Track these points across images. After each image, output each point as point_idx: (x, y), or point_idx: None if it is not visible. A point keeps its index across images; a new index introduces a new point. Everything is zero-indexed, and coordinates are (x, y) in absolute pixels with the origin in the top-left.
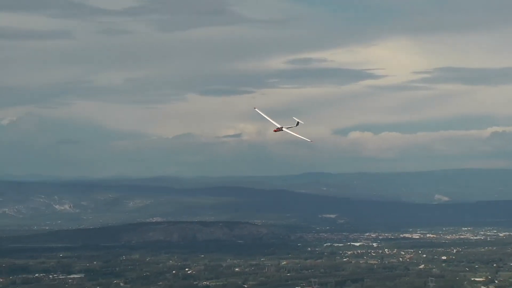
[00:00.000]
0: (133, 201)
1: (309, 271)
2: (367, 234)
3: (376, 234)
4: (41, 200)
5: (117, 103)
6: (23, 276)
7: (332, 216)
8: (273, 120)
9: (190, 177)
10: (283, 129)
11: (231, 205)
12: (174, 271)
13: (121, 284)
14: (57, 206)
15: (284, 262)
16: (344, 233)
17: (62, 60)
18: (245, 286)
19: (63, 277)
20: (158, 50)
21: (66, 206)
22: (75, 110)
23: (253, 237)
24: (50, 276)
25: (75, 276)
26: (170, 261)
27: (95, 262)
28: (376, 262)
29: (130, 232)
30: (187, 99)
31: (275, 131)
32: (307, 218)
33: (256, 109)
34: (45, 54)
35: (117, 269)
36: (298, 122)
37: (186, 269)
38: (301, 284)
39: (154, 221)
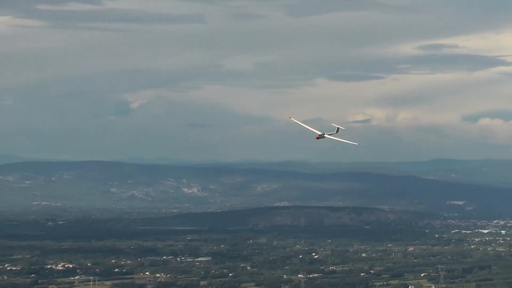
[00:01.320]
0: (261, 185)
1: (436, 257)
2: (495, 221)
3: (505, 221)
4: (170, 183)
5: (246, 88)
6: (151, 258)
7: (460, 203)
8: (312, 127)
9: (318, 162)
10: (325, 136)
11: (359, 190)
12: (300, 256)
13: (248, 267)
14: (185, 189)
15: (411, 248)
16: (472, 220)
17: (192, 44)
18: (372, 271)
19: (190, 259)
20: (288, 35)
21: (195, 190)
22: (204, 94)
23: (380, 223)
24: (178, 258)
25: (202, 259)
26: (297, 246)
27: (222, 246)
28: (504, 249)
29: (257, 216)
30: (316, 84)
31: (317, 138)
32: (435, 204)
33: (291, 119)
34: (176, 38)
35: (244, 252)
36: (338, 128)
37: (313, 254)
38: (428, 271)
39: (281, 205)
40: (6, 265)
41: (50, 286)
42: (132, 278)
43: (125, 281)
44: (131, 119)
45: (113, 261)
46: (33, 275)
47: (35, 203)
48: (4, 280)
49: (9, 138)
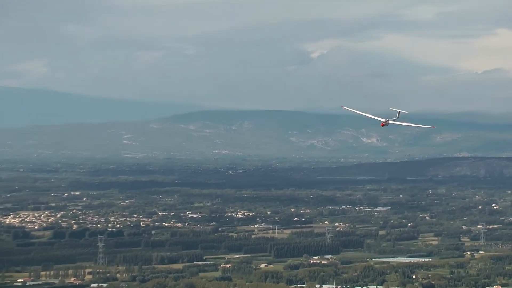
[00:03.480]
0: (441, 135)
1: None
2: None
3: None
4: (349, 133)
5: (426, 37)
6: (330, 207)
7: None
8: (374, 116)
9: (498, 112)
10: (389, 122)
11: None
12: (480, 206)
13: (427, 218)
14: (364, 139)
15: None
16: None
17: None
18: None
19: (369, 209)
20: None
21: (374, 139)
22: (384, 44)
23: None
24: (357, 208)
25: (381, 208)
26: (476, 196)
27: (401, 196)
28: None
29: (436, 166)
30: (497, 33)
31: (382, 125)
32: None
33: (345, 108)
34: None
35: (422, 203)
36: (399, 113)
37: (493, 205)
38: None
39: (461, 156)
40: (187, 213)
41: (230, 234)
42: (311, 226)
43: (304, 229)
44: (312, 69)
45: (293, 210)
46: (213, 222)
47: (216, 151)
48: (185, 227)
49: (191, 87)
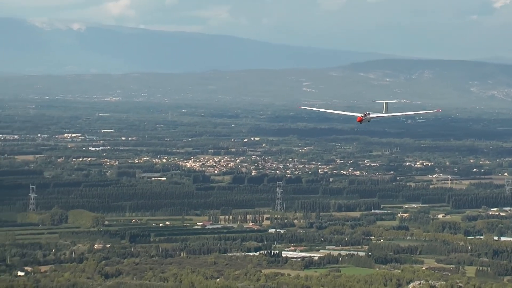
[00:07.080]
0: None
1: None
2: None
3: None
4: None
5: None
6: (510, 159)
7: None
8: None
9: None
10: (370, 115)
11: None
12: None
13: None
14: None
15: None
16: None
17: None
18: None
19: None
20: None
21: None
22: None
23: None
24: None
25: None
26: None
27: None
28: None
29: None
30: None
31: (359, 120)
32: None
33: (302, 107)
34: None
35: None
36: (386, 104)
37: None
38: None
39: None
40: (366, 161)
41: (408, 183)
42: (491, 178)
43: (483, 181)
44: (494, 19)
45: (472, 161)
46: (391, 172)
47: (395, 101)
48: (363, 176)
49: (372, 35)
